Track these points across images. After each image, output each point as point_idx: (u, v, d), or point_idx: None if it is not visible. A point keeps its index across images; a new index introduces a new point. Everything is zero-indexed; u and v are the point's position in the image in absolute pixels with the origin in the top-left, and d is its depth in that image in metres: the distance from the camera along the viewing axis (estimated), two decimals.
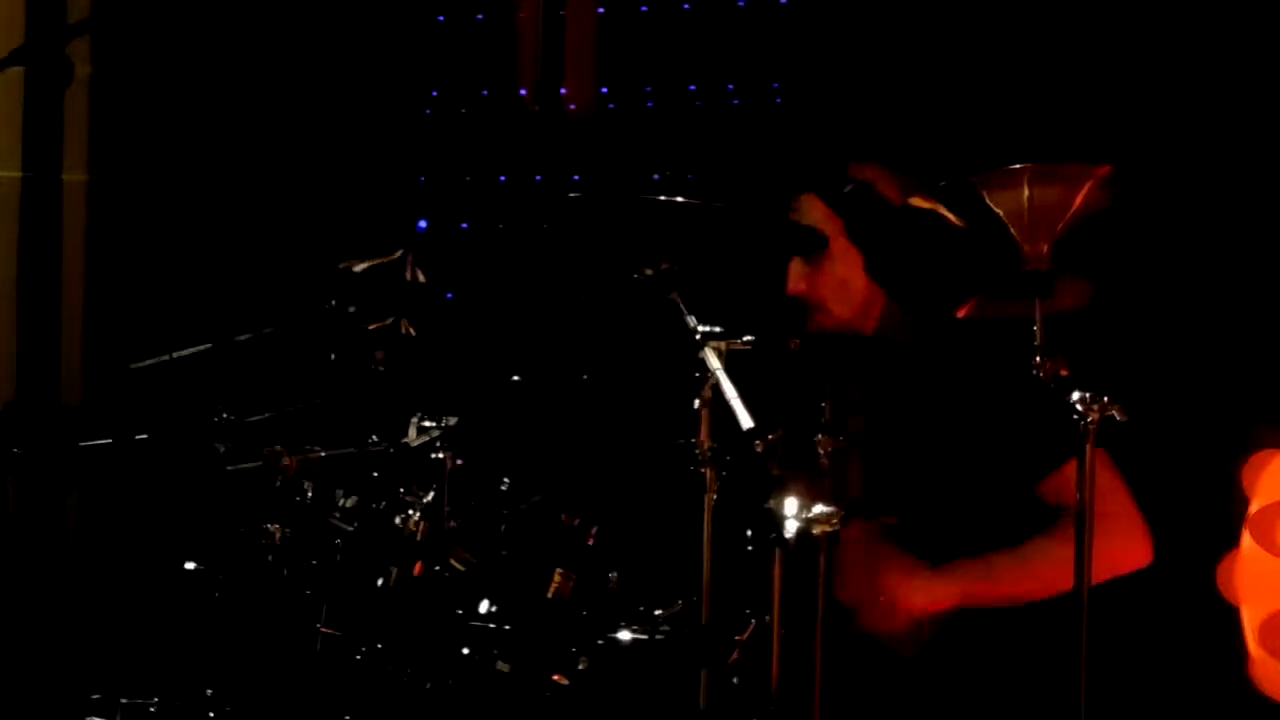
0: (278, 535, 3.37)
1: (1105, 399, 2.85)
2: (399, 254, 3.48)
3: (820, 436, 3.11)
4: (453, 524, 3.34)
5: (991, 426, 3.44)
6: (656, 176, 4.82)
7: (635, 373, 4.13)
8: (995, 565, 3.41)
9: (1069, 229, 2.93)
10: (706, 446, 3.03)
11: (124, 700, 3.40)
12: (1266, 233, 4.11)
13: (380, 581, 3.31)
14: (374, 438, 3.43)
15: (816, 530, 2.85)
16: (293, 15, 5.11)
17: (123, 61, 5.12)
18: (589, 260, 4.02)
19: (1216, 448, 4.07)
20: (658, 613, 3.25)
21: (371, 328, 3.47)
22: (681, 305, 3.09)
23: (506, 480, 3.47)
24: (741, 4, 4.82)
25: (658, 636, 3.20)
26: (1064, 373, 2.88)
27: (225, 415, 3.49)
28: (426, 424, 3.40)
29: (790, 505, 2.81)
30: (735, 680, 3.12)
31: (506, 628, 3.23)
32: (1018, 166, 2.91)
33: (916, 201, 3.07)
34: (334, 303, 3.48)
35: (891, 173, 3.55)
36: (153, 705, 3.38)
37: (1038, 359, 2.89)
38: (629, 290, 3.14)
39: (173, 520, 4.21)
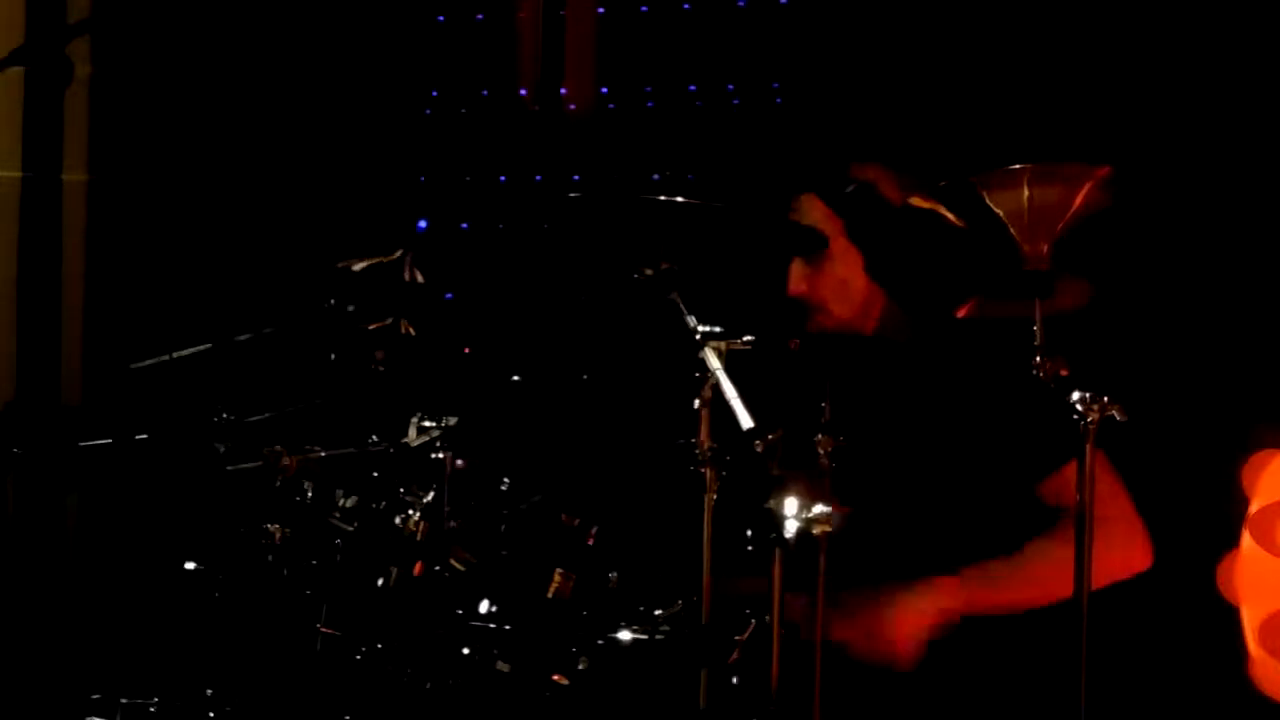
0: (278, 535, 3.37)
1: (1105, 399, 2.85)
2: (398, 254, 3.48)
3: (820, 436, 3.11)
4: (453, 524, 3.34)
5: (991, 427, 3.44)
6: (656, 176, 4.82)
7: (635, 373, 4.13)
8: (994, 572, 3.40)
9: (1069, 229, 2.93)
10: (706, 446, 3.03)
11: (124, 700, 3.40)
12: (1266, 233, 4.11)
13: (380, 581, 3.30)
14: (374, 438, 3.43)
15: (816, 530, 2.85)
16: (293, 15, 5.11)
17: (123, 61, 5.12)
18: (589, 260, 4.01)
19: (1216, 448, 4.07)
20: (658, 613, 3.24)
21: (371, 328, 3.47)
22: (681, 305, 3.09)
23: (506, 480, 3.47)
24: (741, 4, 4.82)
25: (658, 636, 3.19)
26: (1064, 373, 2.88)
27: (225, 415, 3.48)
28: (426, 424, 3.40)
29: (790, 505, 2.81)
30: (735, 680, 3.12)
31: (506, 628, 3.23)
32: (1018, 166, 2.91)
33: (916, 201, 3.07)
34: (334, 303, 3.48)
35: (892, 173, 3.55)
36: (153, 705, 3.38)
37: (1038, 359, 2.89)
38: (629, 290, 3.14)
39: (173, 520, 4.20)
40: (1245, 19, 4.15)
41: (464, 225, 5.09)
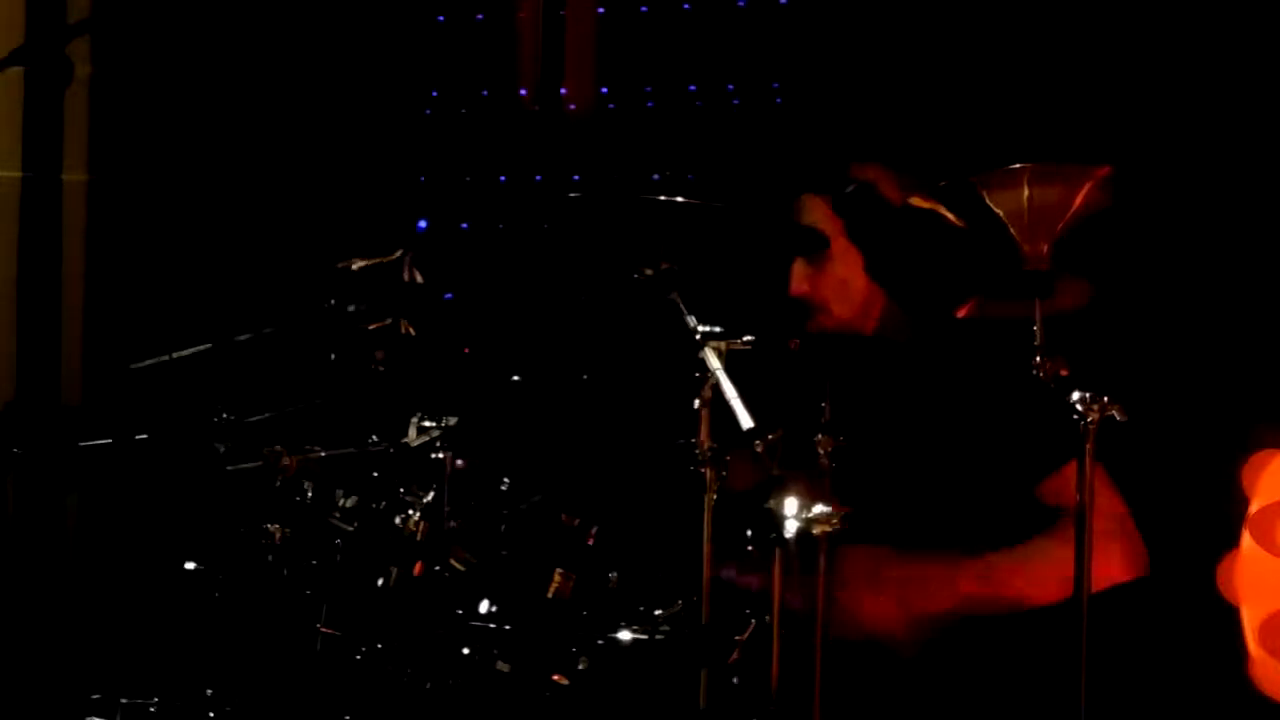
0: (278, 535, 3.37)
1: (1105, 399, 2.85)
2: (398, 254, 3.48)
3: (820, 436, 3.11)
4: (453, 524, 3.34)
5: (991, 427, 3.44)
6: (656, 176, 4.82)
7: (635, 373, 4.13)
8: (995, 566, 3.41)
9: (1069, 229, 2.93)
10: (706, 446, 3.03)
11: (124, 700, 3.40)
12: (1266, 233, 4.11)
13: (380, 581, 3.30)
14: (374, 438, 3.43)
15: (816, 530, 2.85)
16: (293, 15, 5.11)
17: (123, 61, 5.12)
18: (589, 260, 4.01)
19: (1216, 448, 4.07)
20: (658, 613, 3.24)
21: (371, 328, 3.47)
22: (681, 305, 3.09)
23: (506, 480, 3.47)
24: (741, 4, 4.82)
25: (658, 636, 3.19)
26: (1064, 373, 2.88)
27: (225, 415, 3.49)
28: (426, 424, 3.40)
29: (790, 505, 2.81)
30: (735, 680, 3.12)
31: (506, 628, 3.23)
32: (1018, 166, 2.91)
33: (916, 201, 3.07)
34: (334, 303, 3.48)
35: (892, 173, 3.55)
36: (153, 705, 3.38)
37: (1038, 359, 2.89)
38: (629, 290, 3.14)
39: (173, 520, 4.20)
40: (1245, 19, 4.15)
41: (464, 225, 5.08)
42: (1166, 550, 3.47)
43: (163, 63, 5.14)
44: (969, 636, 3.41)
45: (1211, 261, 4.12)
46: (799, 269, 3.56)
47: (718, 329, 3.07)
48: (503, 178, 5.07)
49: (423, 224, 5.08)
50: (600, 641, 3.18)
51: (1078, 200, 2.92)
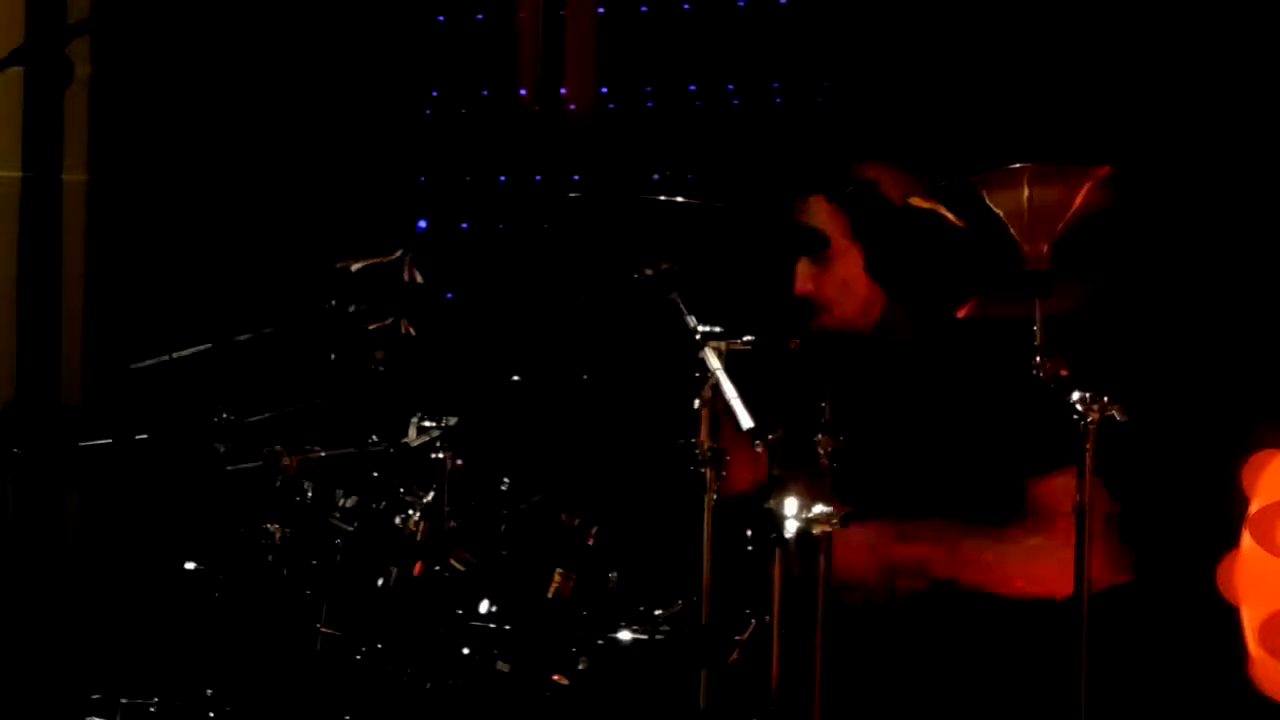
0: (278, 535, 3.37)
1: (1105, 399, 2.85)
2: (398, 254, 3.48)
3: (820, 436, 3.11)
4: (453, 524, 3.34)
5: (991, 427, 3.44)
6: (656, 176, 4.82)
7: (635, 373, 4.13)
8: (961, 543, 3.40)
9: (1069, 229, 2.93)
10: (706, 446, 3.03)
11: (124, 700, 3.40)
12: (1266, 233, 4.11)
13: (380, 581, 3.30)
14: (374, 438, 3.43)
15: (816, 530, 2.85)
16: (292, 15, 5.11)
17: (123, 61, 5.12)
18: (589, 260, 4.01)
19: (1216, 448, 4.07)
20: (658, 613, 3.24)
21: (371, 328, 3.47)
22: (681, 305, 3.09)
23: (506, 480, 3.47)
24: (741, 4, 4.82)
25: (658, 636, 3.20)
26: (1064, 373, 2.88)
27: (225, 415, 3.49)
28: (426, 424, 3.40)
29: (790, 505, 2.81)
30: (735, 680, 3.12)
31: (506, 628, 3.23)
32: (1018, 166, 2.91)
33: (916, 201, 3.07)
34: (334, 303, 3.48)
35: (894, 172, 3.55)
36: (153, 705, 3.38)
37: (1038, 359, 2.89)
38: (629, 290, 3.14)
39: (173, 520, 4.20)
40: (1245, 19, 4.15)
41: (464, 225, 5.08)
42: (1166, 550, 3.47)
43: (163, 63, 5.14)
44: (968, 634, 3.41)
45: (1211, 261, 4.12)
46: (803, 268, 3.57)
47: (718, 329, 3.07)
48: (503, 178, 5.07)
49: (423, 224, 5.07)
50: (600, 641, 3.19)
51: (1078, 200, 2.92)
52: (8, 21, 5.01)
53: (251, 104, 5.10)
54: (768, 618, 2.90)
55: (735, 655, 3.11)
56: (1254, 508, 4.03)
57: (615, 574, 3.32)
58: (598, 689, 3.16)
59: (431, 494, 3.35)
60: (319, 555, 3.36)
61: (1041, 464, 3.38)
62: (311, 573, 3.35)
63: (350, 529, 3.37)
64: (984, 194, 2.92)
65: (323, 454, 3.40)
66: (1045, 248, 2.92)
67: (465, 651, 3.20)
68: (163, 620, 3.72)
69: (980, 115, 4.31)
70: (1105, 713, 2.88)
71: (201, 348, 3.61)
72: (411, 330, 3.49)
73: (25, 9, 5.06)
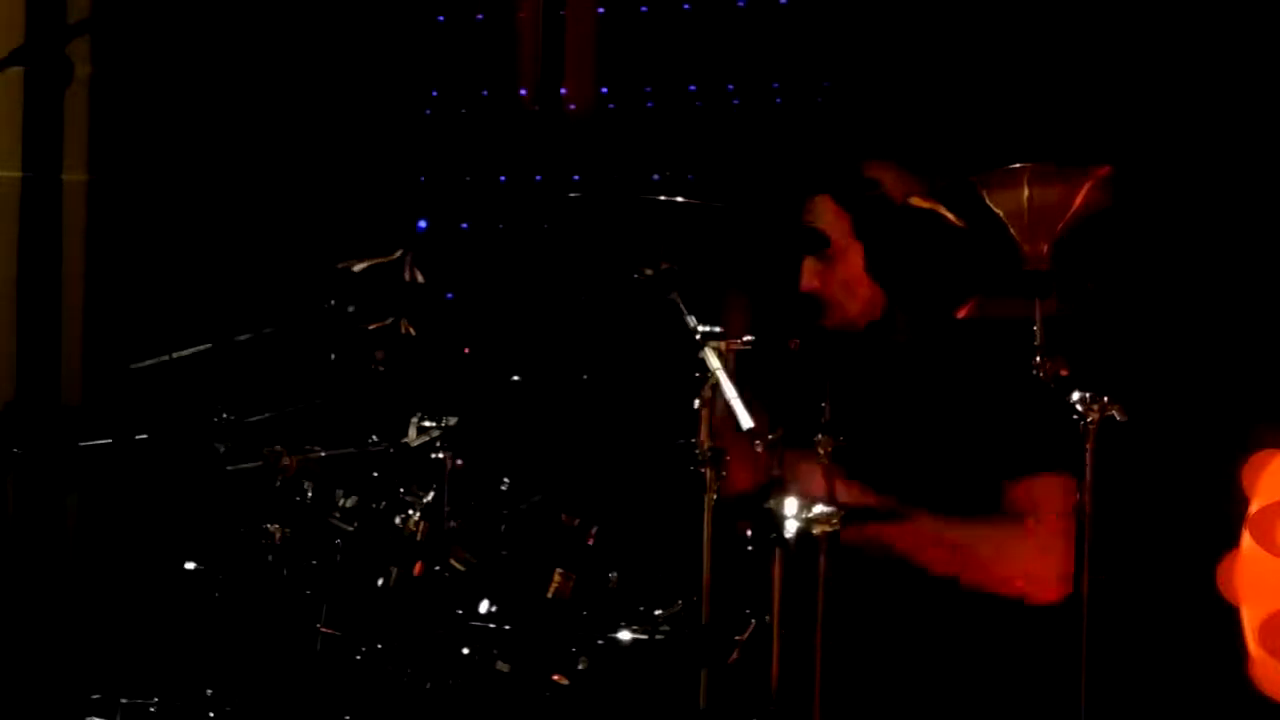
0: (278, 535, 3.37)
1: (1105, 399, 2.85)
2: (398, 254, 3.48)
3: (820, 436, 3.10)
4: (453, 524, 3.34)
5: (991, 427, 3.44)
6: (656, 176, 4.82)
7: (635, 373, 4.13)
8: (923, 520, 3.39)
9: (1069, 229, 2.93)
10: (706, 446, 3.03)
11: (124, 700, 3.40)
12: (1266, 233, 4.11)
13: (380, 581, 3.30)
14: (374, 438, 3.43)
15: (816, 530, 2.85)
16: (292, 15, 5.11)
17: (123, 61, 5.12)
18: (589, 260, 4.01)
19: (1216, 448, 4.07)
20: (658, 613, 3.24)
21: (371, 328, 3.47)
22: (681, 305, 3.09)
23: (506, 480, 3.47)
24: (741, 4, 4.82)
25: (658, 636, 3.20)
26: (1064, 373, 2.88)
27: (225, 415, 3.49)
28: (426, 424, 3.40)
29: (790, 505, 2.81)
30: (735, 680, 3.12)
31: (506, 628, 3.23)
32: (1018, 166, 2.91)
33: (916, 201, 3.07)
34: (334, 303, 3.48)
35: (897, 171, 3.55)
36: (153, 705, 3.38)
37: (1038, 359, 2.89)
38: (629, 290, 3.15)
39: (173, 520, 4.20)
40: (1245, 19, 4.15)
41: (464, 225, 5.08)
42: (1166, 550, 3.47)
43: (163, 63, 5.14)
44: (968, 633, 3.41)
45: (1211, 262, 4.12)
46: (809, 266, 3.58)
47: (718, 329, 3.07)
48: (503, 178, 5.07)
49: (423, 224, 5.07)
50: (600, 641, 3.19)
51: (1078, 200, 2.92)
52: (8, 21, 5.01)
53: (251, 104, 5.10)
54: (768, 618, 2.89)
55: (735, 655, 3.11)
56: (1254, 508, 4.03)
57: (615, 574, 3.32)
58: (598, 689, 3.16)
59: (431, 494, 3.35)
60: (319, 555, 3.36)
61: (1019, 465, 3.39)
62: (311, 573, 3.35)
63: (350, 529, 3.37)
64: (984, 194, 2.92)
65: (323, 454, 3.40)
66: (1045, 248, 2.92)
67: (465, 651, 3.20)
68: (163, 620, 3.72)
69: (980, 115, 4.31)
70: (1105, 713, 2.87)
71: (201, 348, 3.61)
72: (411, 330, 3.49)
73: (25, 9, 5.06)
